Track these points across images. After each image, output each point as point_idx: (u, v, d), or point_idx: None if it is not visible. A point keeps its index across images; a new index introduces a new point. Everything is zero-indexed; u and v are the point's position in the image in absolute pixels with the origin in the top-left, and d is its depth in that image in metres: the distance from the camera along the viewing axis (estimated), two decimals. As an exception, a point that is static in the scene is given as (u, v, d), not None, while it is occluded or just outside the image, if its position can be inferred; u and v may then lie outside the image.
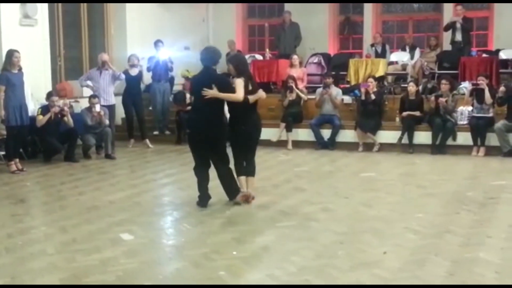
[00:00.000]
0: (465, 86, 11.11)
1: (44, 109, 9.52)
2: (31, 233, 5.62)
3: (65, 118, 9.60)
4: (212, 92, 6.34)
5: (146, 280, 4.38)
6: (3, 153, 9.16)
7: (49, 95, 9.69)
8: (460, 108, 10.46)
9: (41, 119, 9.39)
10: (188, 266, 4.69)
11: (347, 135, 10.90)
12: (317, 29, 14.36)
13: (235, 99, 6.39)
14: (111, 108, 10.37)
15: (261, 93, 6.71)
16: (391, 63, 12.87)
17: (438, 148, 10.19)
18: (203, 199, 6.57)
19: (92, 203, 6.83)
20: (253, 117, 6.66)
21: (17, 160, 8.88)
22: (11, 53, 8.62)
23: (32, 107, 9.62)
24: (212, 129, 6.44)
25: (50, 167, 9.20)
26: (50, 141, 9.52)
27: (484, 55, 12.20)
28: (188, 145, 6.75)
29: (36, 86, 10.00)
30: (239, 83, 6.44)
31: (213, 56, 6.63)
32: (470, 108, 10.35)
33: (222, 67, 7.82)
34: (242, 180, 6.66)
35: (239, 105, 6.45)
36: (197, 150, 6.58)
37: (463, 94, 10.86)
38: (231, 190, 6.67)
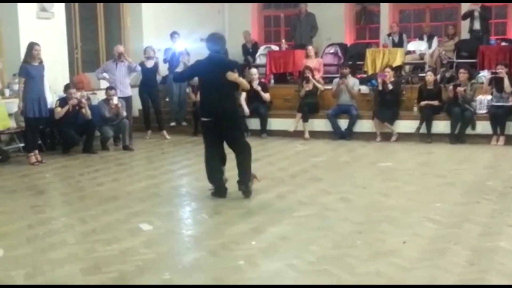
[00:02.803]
0: (484, 75, 10.98)
1: (62, 101, 9.58)
2: (51, 224, 5.67)
3: (83, 110, 9.65)
4: (235, 77, 6.34)
5: (166, 269, 4.40)
6: (22, 145, 9.26)
7: (66, 88, 9.76)
8: (479, 97, 10.33)
9: (59, 111, 9.46)
10: (206, 256, 4.71)
11: (365, 125, 10.84)
12: (333, 19, 14.27)
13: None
14: (127, 100, 10.39)
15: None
16: (408, 52, 12.76)
17: (457, 137, 10.09)
18: (220, 191, 6.54)
19: (110, 194, 6.88)
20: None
21: (37, 151, 8.95)
22: (31, 46, 8.66)
23: (50, 99, 9.68)
24: (227, 113, 6.38)
25: (69, 159, 9.27)
26: (68, 133, 9.59)
27: (503, 43, 12.05)
28: (203, 135, 6.69)
29: (53, 79, 10.07)
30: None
31: (218, 42, 6.53)
32: (489, 97, 10.24)
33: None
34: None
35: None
36: (212, 140, 6.49)
37: (482, 83, 10.74)
38: (246, 180, 6.56)
